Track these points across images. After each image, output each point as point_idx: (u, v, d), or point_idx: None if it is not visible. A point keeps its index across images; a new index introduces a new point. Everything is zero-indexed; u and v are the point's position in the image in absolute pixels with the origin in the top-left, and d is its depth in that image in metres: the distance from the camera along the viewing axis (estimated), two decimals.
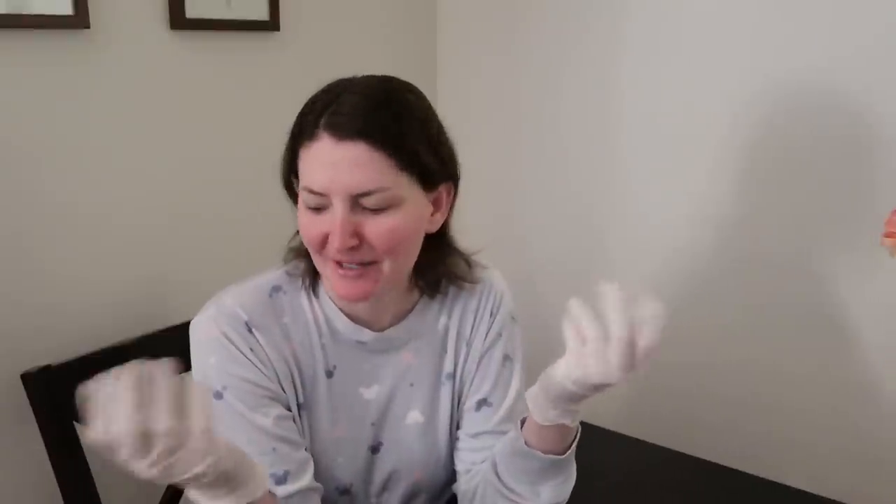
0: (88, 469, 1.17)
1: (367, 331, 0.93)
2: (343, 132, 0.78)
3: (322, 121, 0.79)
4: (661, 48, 1.63)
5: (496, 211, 1.95)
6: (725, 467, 1.32)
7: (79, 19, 1.21)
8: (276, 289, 0.91)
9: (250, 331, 0.87)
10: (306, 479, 0.87)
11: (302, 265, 0.91)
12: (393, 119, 0.80)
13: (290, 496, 0.84)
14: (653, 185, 1.70)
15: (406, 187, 0.82)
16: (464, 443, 0.99)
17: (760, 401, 1.64)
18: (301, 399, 0.91)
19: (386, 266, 0.84)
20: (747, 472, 1.30)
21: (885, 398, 1.51)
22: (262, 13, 1.50)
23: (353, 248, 0.81)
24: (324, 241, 0.81)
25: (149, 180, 1.38)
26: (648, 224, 1.72)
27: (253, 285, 0.91)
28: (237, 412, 0.84)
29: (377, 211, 0.80)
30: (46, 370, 1.14)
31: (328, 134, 0.78)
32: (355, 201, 0.80)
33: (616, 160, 1.74)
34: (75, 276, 1.30)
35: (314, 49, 1.61)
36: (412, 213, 0.83)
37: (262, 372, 0.86)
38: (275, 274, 0.93)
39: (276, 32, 1.53)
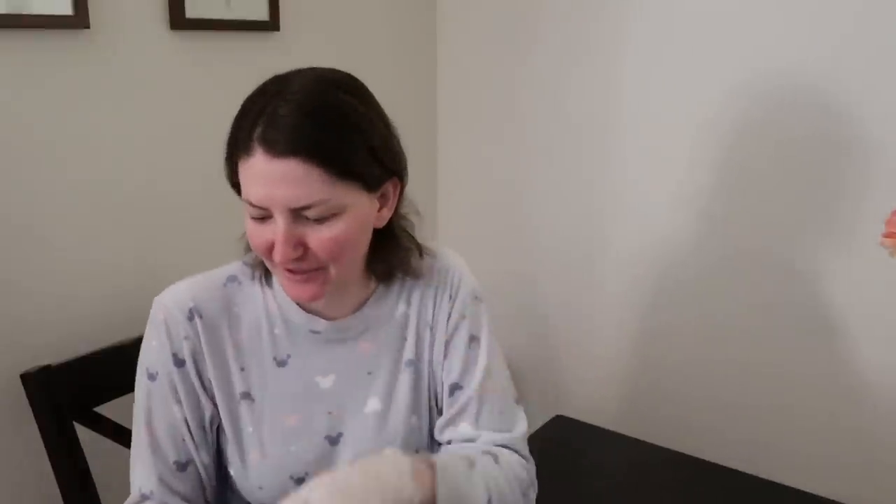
0: (88, 469, 1.17)
1: (321, 320, 0.94)
2: (276, 149, 0.78)
3: (255, 134, 0.79)
4: (662, 45, 1.63)
5: (495, 209, 1.96)
6: (725, 467, 1.32)
7: (79, 19, 1.21)
8: (231, 279, 0.95)
9: (191, 318, 0.91)
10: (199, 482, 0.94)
11: (254, 257, 0.94)
12: (326, 130, 0.79)
13: (173, 492, 0.90)
14: (655, 183, 1.70)
15: (346, 195, 0.82)
16: (441, 434, 0.98)
17: (760, 401, 1.64)
18: (244, 388, 0.93)
19: (332, 270, 0.86)
20: (747, 472, 1.30)
21: (884, 399, 1.51)
22: (262, 13, 1.50)
23: (298, 258, 0.83)
24: (270, 249, 0.83)
25: (149, 180, 1.38)
26: (651, 223, 1.72)
27: (211, 274, 0.96)
28: (162, 395, 0.91)
29: (320, 220, 0.81)
30: (46, 370, 1.14)
31: (262, 150, 0.78)
32: (297, 213, 0.81)
33: (617, 159, 1.74)
34: (75, 276, 1.30)
35: (314, 49, 1.61)
36: (355, 217, 0.84)
37: (193, 365, 0.91)
38: (235, 265, 0.97)
39: (276, 32, 1.53)
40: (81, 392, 1.19)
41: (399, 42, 1.85)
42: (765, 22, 1.50)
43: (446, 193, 2.00)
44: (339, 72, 0.87)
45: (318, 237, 0.82)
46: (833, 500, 1.21)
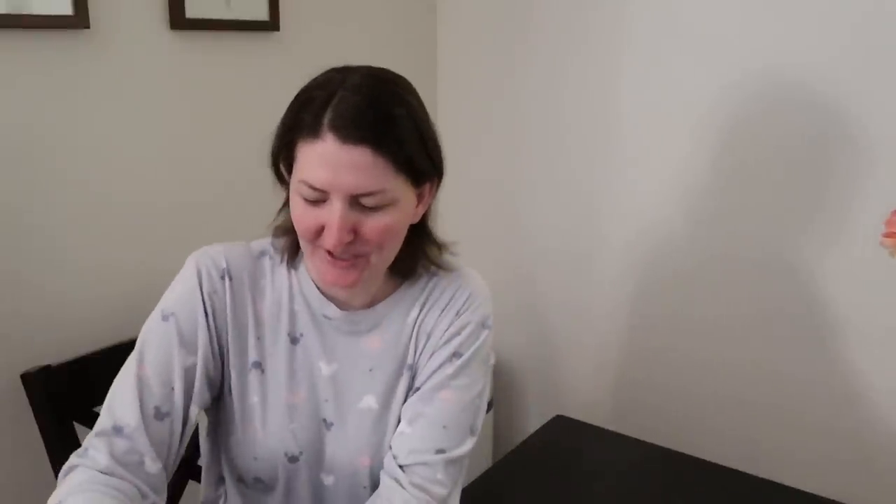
0: None
1: (334, 307, 0.96)
2: (348, 135, 0.80)
3: (325, 120, 0.81)
4: (659, 45, 1.63)
5: (494, 209, 1.96)
6: (725, 467, 1.32)
7: (79, 19, 1.22)
8: (263, 253, 0.99)
9: (222, 278, 0.94)
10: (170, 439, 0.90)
11: (282, 242, 0.96)
12: (394, 123, 0.83)
13: (138, 442, 0.87)
14: (652, 182, 1.70)
15: (401, 188, 0.86)
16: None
17: (761, 401, 1.64)
18: (256, 358, 0.96)
19: (374, 258, 0.88)
20: (747, 471, 1.30)
21: (883, 398, 1.51)
22: (261, 13, 1.50)
23: (348, 243, 0.85)
24: (319, 232, 0.85)
25: (149, 180, 1.38)
26: (650, 222, 1.72)
27: (245, 245, 0.99)
28: (168, 338, 0.91)
29: (374, 209, 0.84)
30: (46, 370, 1.14)
31: (333, 135, 0.80)
32: (355, 200, 0.83)
33: (616, 158, 1.74)
34: (75, 276, 1.30)
35: (314, 49, 1.61)
36: (404, 209, 0.88)
37: (213, 321, 0.93)
38: (265, 241, 0.99)
39: (276, 32, 1.53)
40: (81, 392, 1.18)
41: (399, 42, 1.85)
42: (761, 21, 1.50)
43: (446, 193, 2.00)
44: (391, 71, 0.90)
45: (372, 225, 0.85)
46: (833, 500, 1.21)
